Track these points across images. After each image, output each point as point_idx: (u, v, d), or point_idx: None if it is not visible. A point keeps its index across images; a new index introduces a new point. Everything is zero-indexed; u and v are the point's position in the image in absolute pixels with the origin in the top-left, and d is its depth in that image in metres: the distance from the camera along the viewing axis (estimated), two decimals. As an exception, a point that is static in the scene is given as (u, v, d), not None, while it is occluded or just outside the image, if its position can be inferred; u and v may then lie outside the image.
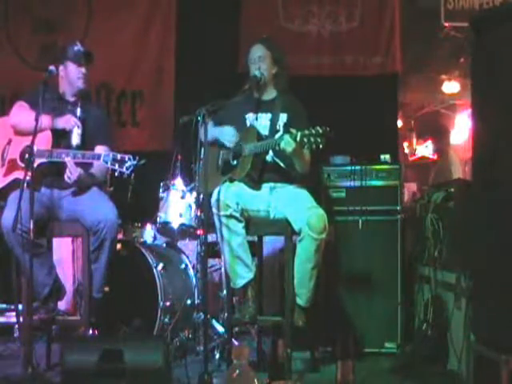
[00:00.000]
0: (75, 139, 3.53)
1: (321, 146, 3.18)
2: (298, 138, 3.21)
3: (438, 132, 7.04)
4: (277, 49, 3.72)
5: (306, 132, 3.19)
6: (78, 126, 3.54)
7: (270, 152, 3.53)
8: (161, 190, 4.29)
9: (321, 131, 3.17)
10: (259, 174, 3.56)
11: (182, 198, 4.19)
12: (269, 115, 3.64)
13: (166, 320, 3.88)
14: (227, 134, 3.63)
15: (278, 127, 3.59)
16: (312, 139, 3.17)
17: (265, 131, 3.60)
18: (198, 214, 4.09)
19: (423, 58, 6.86)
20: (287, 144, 3.27)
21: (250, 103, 3.69)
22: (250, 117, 3.68)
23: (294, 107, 3.64)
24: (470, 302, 3.05)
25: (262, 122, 3.65)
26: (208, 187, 3.36)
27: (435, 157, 7.71)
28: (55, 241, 3.90)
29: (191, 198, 4.18)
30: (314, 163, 3.74)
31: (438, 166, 6.71)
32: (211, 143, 3.59)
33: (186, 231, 4.29)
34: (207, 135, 3.31)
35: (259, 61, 3.64)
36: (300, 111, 3.64)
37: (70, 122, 3.54)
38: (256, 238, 3.84)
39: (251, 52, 3.69)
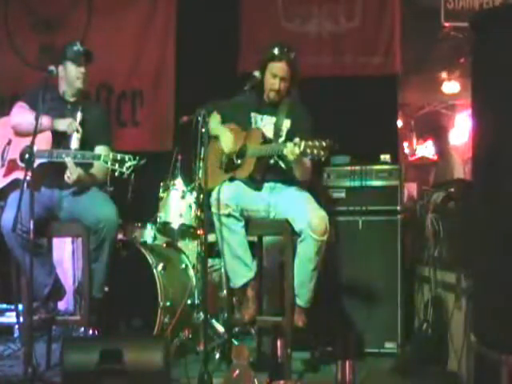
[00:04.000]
0: (74, 144, 3.53)
1: (323, 159, 3.18)
2: (302, 148, 3.19)
3: (436, 132, 7.05)
4: (298, 68, 3.59)
5: (310, 143, 3.17)
6: (78, 131, 3.55)
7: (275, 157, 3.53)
8: (161, 190, 4.29)
9: (325, 144, 3.16)
10: (262, 175, 3.56)
11: (182, 198, 4.19)
12: (273, 119, 3.62)
13: (166, 320, 3.88)
14: (226, 141, 3.62)
15: (281, 132, 3.58)
16: (315, 151, 3.16)
17: (269, 134, 3.59)
18: (198, 213, 4.09)
19: (423, 58, 6.86)
20: (290, 152, 3.25)
21: (255, 103, 3.67)
22: (254, 116, 3.66)
23: (298, 114, 3.61)
24: (469, 302, 3.05)
25: (266, 124, 3.63)
26: (209, 184, 3.35)
27: (436, 157, 7.71)
28: (55, 241, 3.90)
29: (191, 198, 4.18)
30: (314, 163, 3.74)
31: (439, 166, 6.70)
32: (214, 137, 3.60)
33: (186, 231, 4.29)
34: (209, 133, 3.30)
35: (282, 81, 3.54)
36: (304, 119, 3.61)
37: (71, 127, 3.54)
38: (256, 238, 3.84)
39: (275, 67, 3.53)
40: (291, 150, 3.24)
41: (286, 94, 3.63)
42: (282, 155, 3.35)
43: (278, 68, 3.53)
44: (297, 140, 3.23)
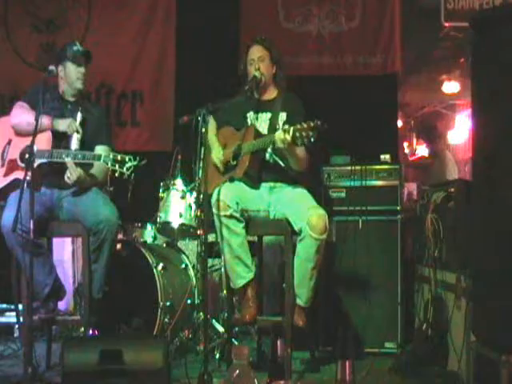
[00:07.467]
0: (74, 144, 3.53)
1: (312, 140, 3.18)
2: (291, 133, 3.20)
3: (431, 135, 7.07)
4: (274, 48, 3.72)
5: (298, 126, 3.19)
6: (78, 131, 3.55)
7: (269, 150, 3.54)
8: (161, 190, 4.29)
9: (312, 124, 3.17)
10: (258, 172, 3.56)
11: (182, 198, 4.20)
12: (268, 114, 3.64)
13: (166, 320, 3.88)
14: (216, 153, 3.64)
15: (277, 126, 3.59)
16: (304, 133, 3.17)
17: (265, 130, 3.60)
18: (198, 213, 4.09)
19: (423, 58, 6.88)
20: (280, 140, 3.26)
21: (251, 103, 3.69)
22: (250, 116, 3.68)
23: (293, 105, 3.64)
24: (470, 302, 3.05)
25: (261, 121, 3.65)
26: (209, 188, 3.35)
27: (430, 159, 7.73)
28: (55, 241, 3.90)
29: (191, 198, 4.18)
30: (314, 163, 3.74)
31: (433, 168, 6.70)
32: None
33: (186, 231, 4.29)
34: (207, 135, 3.31)
35: (259, 61, 3.64)
36: (298, 109, 3.63)
37: (71, 127, 3.54)
38: (256, 238, 3.84)
39: (250, 53, 3.69)
40: (281, 137, 3.25)
41: (274, 78, 3.68)
42: (276, 147, 3.35)
43: (251, 53, 3.67)
44: (286, 127, 3.25)
